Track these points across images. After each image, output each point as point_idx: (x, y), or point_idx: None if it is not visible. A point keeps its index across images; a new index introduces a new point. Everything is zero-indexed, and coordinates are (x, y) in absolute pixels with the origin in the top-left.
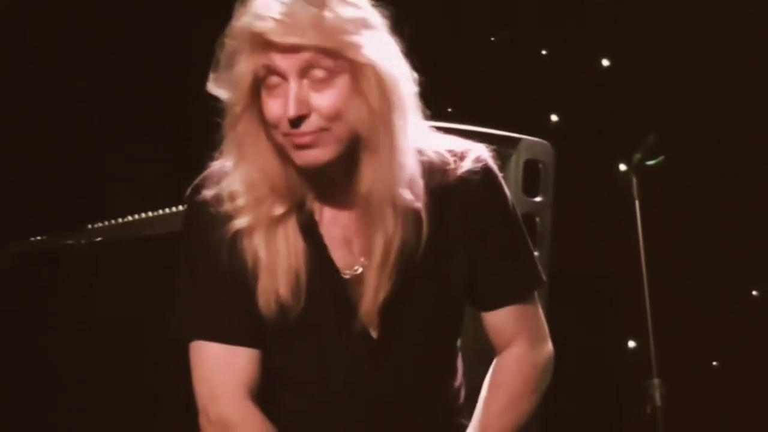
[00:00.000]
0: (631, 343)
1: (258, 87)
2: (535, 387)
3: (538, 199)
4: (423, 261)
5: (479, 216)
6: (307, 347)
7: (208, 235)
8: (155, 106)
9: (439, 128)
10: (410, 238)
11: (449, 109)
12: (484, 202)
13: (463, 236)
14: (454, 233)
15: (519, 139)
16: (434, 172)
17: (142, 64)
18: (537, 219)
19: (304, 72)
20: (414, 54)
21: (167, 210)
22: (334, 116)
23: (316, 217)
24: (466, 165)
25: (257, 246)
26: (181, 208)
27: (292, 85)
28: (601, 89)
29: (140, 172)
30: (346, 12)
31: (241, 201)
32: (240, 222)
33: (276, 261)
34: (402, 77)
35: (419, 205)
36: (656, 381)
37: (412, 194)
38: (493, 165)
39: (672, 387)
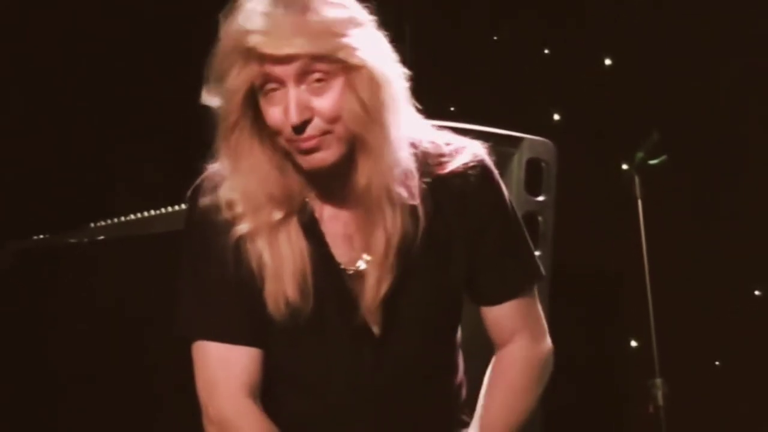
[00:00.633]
0: (634, 343)
1: (251, 96)
2: (536, 382)
3: (540, 198)
4: (422, 255)
5: (477, 211)
6: (310, 345)
7: (210, 236)
8: (155, 106)
9: (441, 127)
10: (409, 232)
11: (452, 108)
12: (481, 197)
13: (461, 231)
14: (452, 227)
15: (521, 138)
16: (430, 166)
17: (142, 64)
18: (539, 218)
19: (301, 78)
20: (416, 53)
21: (169, 209)
22: (335, 118)
23: (317, 215)
24: (463, 160)
25: (261, 250)
26: (183, 206)
27: (292, 92)
28: (603, 88)
29: (141, 171)
30: (331, 13)
31: (239, 209)
32: (241, 228)
33: (281, 264)
34: (393, 73)
35: (416, 199)
36: (659, 380)
37: (409, 188)
38: (489, 161)
39: (674, 386)
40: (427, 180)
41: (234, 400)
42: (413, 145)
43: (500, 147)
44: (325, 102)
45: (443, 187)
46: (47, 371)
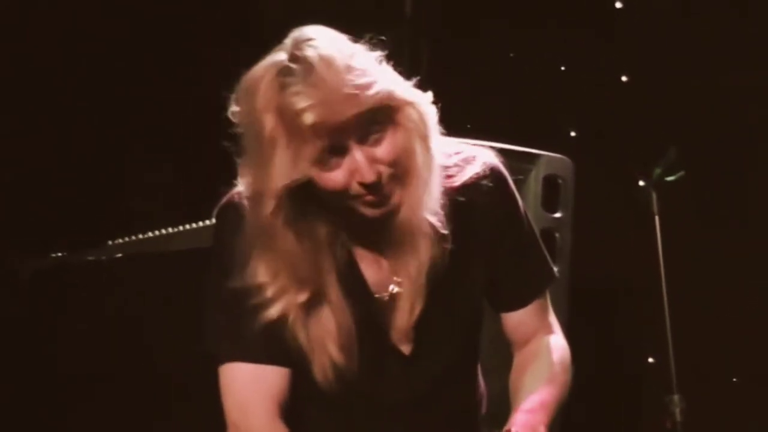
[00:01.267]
0: (651, 359)
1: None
2: (561, 365)
3: (557, 214)
4: (448, 273)
5: (494, 220)
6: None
7: (236, 255)
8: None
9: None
10: (437, 255)
11: (468, 125)
12: (497, 206)
13: (480, 242)
14: (471, 241)
15: (538, 155)
16: (445, 179)
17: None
18: (556, 235)
19: (363, 137)
20: (433, 70)
21: (187, 226)
22: (395, 161)
23: (353, 253)
24: (475, 169)
25: (297, 331)
26: (200, 224)
27: (358, 153)
28: (620, 105)
29: (160, 188)
30: (361, 60)
31: (269, 293)
32: (272, 312)
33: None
34: (422, 100)
35: (446, 226)
36: (676, 397)
37: (440, 215)
38: (501, 167)
39: (692, 403)
40: (444, 195)
41: (266, 420)
42: None
43: (517, 163)
44: (386, 150)
45: (459, 201)
46: (65, 390)
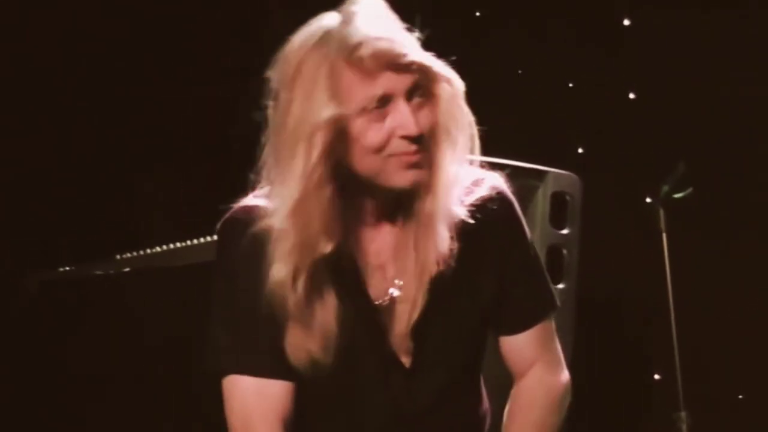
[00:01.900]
0: (657, 376)
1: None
2: (556, 413)
3: (565, 231)
4: (449, 288)
5: (499, 243)
6: (340, 375)
7: (243, 268)
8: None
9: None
10: (440, 262)
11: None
12: (503, 229)
13: (485, 261)
14: (477, 258)
15: (546, 172)
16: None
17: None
18: (564, 251)
19: (411, 92)
20: None
21: (195, 241)
22: (432, 131)
23: (354, 254)
24: (483, 192)
25: (298, 293)
26: (209, 239)
27: (404, 105)
28: (628, 122)
29: (169, 203)
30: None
31: (289, 242)
32: (279, 269)
33: (312, 317)
34: (457, 79)
35: (452, 234)
36: (683, 414)
37: (452, 215)
38: (508, 191)
39: (698, 420)
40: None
41: None
42: None
43: (525, 180)
44: (426, 116)
45: (466, 221)
46: (74, 402)
